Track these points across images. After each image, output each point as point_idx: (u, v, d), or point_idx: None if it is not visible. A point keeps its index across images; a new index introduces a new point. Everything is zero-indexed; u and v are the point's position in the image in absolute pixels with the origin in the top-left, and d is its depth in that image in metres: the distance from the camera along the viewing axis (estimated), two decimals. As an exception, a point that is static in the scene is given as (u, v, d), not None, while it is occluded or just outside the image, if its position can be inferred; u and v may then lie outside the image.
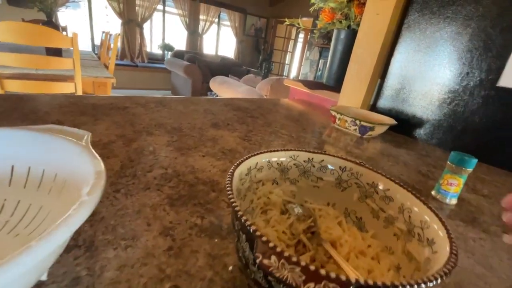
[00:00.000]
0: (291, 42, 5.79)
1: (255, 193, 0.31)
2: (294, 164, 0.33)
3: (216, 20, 5.14)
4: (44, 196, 0.26)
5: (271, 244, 0.16)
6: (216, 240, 0.30)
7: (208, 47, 5.32)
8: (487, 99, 0.77)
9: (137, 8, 4.21)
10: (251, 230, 0.18)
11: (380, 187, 0.30)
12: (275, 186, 0.33)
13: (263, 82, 2.17)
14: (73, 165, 0.24)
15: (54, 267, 0.24)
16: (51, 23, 2.04)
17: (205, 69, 3.83)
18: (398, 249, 0.26)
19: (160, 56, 4.86)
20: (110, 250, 0.27)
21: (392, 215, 0.28)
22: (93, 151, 0.25)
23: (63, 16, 4.00)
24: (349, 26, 1.13)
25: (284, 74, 5.97)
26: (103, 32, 2.71)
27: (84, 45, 4.12)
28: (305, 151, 0.33)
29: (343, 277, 0.14)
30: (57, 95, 0.69)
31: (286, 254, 0.16)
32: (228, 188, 0.22)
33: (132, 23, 4.24)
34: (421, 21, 0.88)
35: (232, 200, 0.20)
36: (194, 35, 4.89)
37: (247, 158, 0.28)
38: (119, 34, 2.16)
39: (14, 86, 1.39)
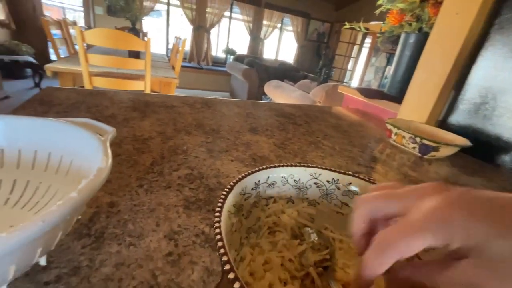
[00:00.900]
0: (356, 48, 5.46)
1: (264, 210, 0.28)
2: (315, 183, 0.29)
3: (279, 25, 5.20)
4: (61, 180, 0.28)
5: (236, 285, 0.13)
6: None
7: (269, 52, 5.42)
8: None
9: (207, 15, 4.56)
10: (221, 260, 0.15)
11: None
12: (290, 205, 0.29)
13: (317, 88, 2.08)
14: (89, 155, 0.26)
15: (61, 252, 0.25)
16: (134, 30, 2.36)
17: (263, 73, 3.90)
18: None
19: (223, 60, 5.16)
20: (114, 245, 0.27)
21: (430, 267, 0.21)
22: (108, 147, 0.26)
23: (147, 23, 4.60)
24: (420, 29, 0.99)
25: (345, 81, 5.66)
26: (175, 37, 3.01)
27: (161, 48, 4.67)
28: (330, 169, 0.29)
29: None
30: (120, 91, 0.78)
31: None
32: (218, 205, 0.20)
33: (201, 29, 4.61)
34: (519, 22, 0.71)
35: (216, 219, 0.18)
36: (256, 40, 5.05)
37: (252, 173, 0.25)
38: (185, 39, 2.36)
39: (99, 82, 1.64)
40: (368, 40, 5.27)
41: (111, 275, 0.24)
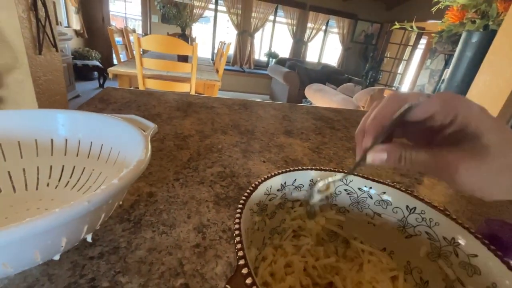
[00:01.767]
0: (408, 49, 5.04)
1: (289, 212, 0.28)
2: (345, 190, 0.28)
3: (323, 27, 5.08)
4: (109, 168, 0.31)
5: (248, 281, 0.14)
6: (235, 248, 0.29)
7: (312, 55, 5.32)
8: None
9: (251, 19, 4.67)
10: (237, 254, 0.15)
11: (464, 248, 0.21)
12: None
13: (361, 92, 1.98)
14: (133, 148, 0.28)
15: (105, 233, 0.28)
16: (184, 35, 2.53)
17: (304, 76, 3.85)
18: None
19: (265, 63, 5.22)
20: (149, 232, 0.30)
21: (474, 294, 0.19)
22: (149, 141, 0.29)
23: (196, 29, 4.90)
24: (485, 27, 0.88)
25: (394, 85, 5.27)
26: (220, 42, 3.15)
27: (208, 53, 4.92)
28: (363, 177, 0.27)
29: None
30: (167, 92, 0.85)
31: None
32: (241, 202, 0.20)
33: (245, 33, 4.74)
34: None
35: (237, 215, 0.19)
36: (299, 43, 5.00)
37: (279, 174, 0.25)
38: (229, 43, 2.45)
39: (151, 84, 1.80)
40: (423, 41, 4.82)
41: (144, 258, 0.26)
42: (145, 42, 1.65)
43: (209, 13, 4.68)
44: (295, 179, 0.27)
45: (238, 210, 0.19)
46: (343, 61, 5.28)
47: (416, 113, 0.17)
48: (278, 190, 0.26)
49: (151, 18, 4.41)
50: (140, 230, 0.30)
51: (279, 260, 0.24)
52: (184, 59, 2.35)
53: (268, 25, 5.00)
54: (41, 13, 0.72)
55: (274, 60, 5.03)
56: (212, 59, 4.42)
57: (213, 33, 4.80)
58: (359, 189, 0.27)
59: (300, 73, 3.80)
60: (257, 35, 4.96)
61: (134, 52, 1.92)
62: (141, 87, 1.79)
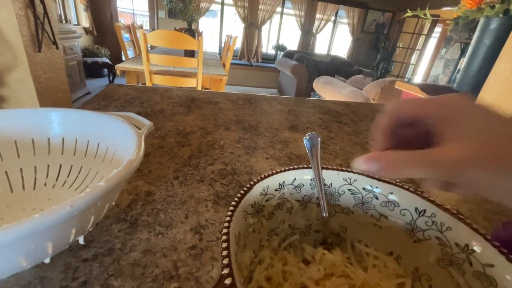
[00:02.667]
0: (422, 38, 4.85)
1: (291, 212, 0.26)
2: (349, 190, 0.26)
3: (333, 18, 4.94)
4: (106, 167, 0.31)
5: (232, 294, 0.12)
6: (221, 255, 0.28)
7: (320, 47, 5.20)
8: None
9: (259, 12, 4.60)
10: (222, 262, 0.14)
11: (479, 256, 0.19)
12: (319, 211, 0.27)
13: (372, 84, 1.91)
14: (128, 146, 0.28)
15: (101, 233, 0.28)
16: (190, 30, 2.52)
17: (313, 69, 3.77)
18: None
19: (273, 56, 5.15)
20: (145, 232, 0.29)
21: (489, 308, 0.17)
22: (142, 140, 0.28)
23: (203, 23, 4.87)
24: (505, 12, 0.82)
25: (406, 76, 5.10)
26: (227, 35, 3.12)
27: (215, 47, 4.89)
28: (368, 176, 0.26)
29: None
30: (170, 88, 0.84)
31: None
32: (233, 204, 0.19)
33: (252, 26, 4.67)
34: None
35: (227, 218, 0.17)
36: (307, 35, 4.90)
37: (276, 173, 0.24)
38: (236, 37, 2.42)
39: (157, 80, 1.80)
40: (437, 30, 4.63)
41: (138, 260, 0.26)
42: (151, 38, 1.65)
43: (215, 7, 4.64)
44: (295, 179, 0.25)
45: (228, 213, 0.18)
46: (353, 52, 5.14)
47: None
48: (276, 190, 0.24)
49: (158, 13, 4.41)
50: (136, 231, 0.29)
51: (276, 265, 0.23)
52: (191, 54, 2.34)
53: (276, 17, 4.91)
54: (40, 10, 0.72)
55: (282, 53, 4.95)
56: (220, 54, 4.39)
57: (220, 27, 4.76)
58: (364, 189, 0.26)
59: (309, 65, 3.73)
60: (265, 28, 4.88)
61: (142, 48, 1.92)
62: (148, 83, 1.80)
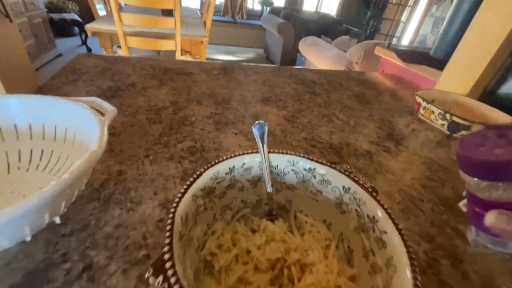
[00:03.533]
0: (415, -7, 4.61)
1: (242, 190, 0.30)
2: (292, 170, 0.30)
3: (323, -32, 4.56)
4: (76, 150, 0.33)
5: (168, 265, 0.17)
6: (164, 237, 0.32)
7: (309, 3, 4.89)
8: None
9: (242, -40, 4.16)
10: (166, 239, 0.18)
11: (379, 225, 0.24)
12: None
13: (356, 47, 1.88)
14: (90, 131, 0.30)
15: (76, 212, 0.31)
16: (166, -17, 2.28)
17: (300, 27, 3.60)
18: (371, 304, 0.22)
19: (259, 13, 4.83)
20: (117, 209, 0.33)
21: (378, 264, 0.23)
22: (105, 128, 0.30)
23: (181, -27, 4.38)
24: (483, -24, 0.80)
25: (396, 35, 4.97)
26: (207, -11, 2.86)
27: (196, 2, 4.50)
28: (308, 158, 0.29)
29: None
30: (142, 59, 0.81)
31: (172, 279, 0.16)
32: (178, 196, 0.23)
33: (236, -23, 4.27)
34: None
35: (172, 210, 0.21)
36: (295, -13, 4.55)
37: (223, 160, 0.27)
38: (217, -8, 2.23)
39: (133, 42, 1.70)
40: (431, -17, 4.39)
41: (111, 234, 0.30)
42: (120, -5, 1.51)
43: (194, -47, 4.14)
44: (244, 162, 0.29)
45: (175, 203, 0.21)
46: (343, 9, 4.88)
47: None
48: (226, 174, 0.28)
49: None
50: (108, 208, 0.33)
51: (226, 234, 0.28)
52: (168, 13, 2.17)
53: (262, -33, 4.47)
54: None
55: (268, 8, 4.63)
56: (201, 10, 4.07)
57: (200, -22, 4.32)
58: (304, 169, 0.30)
59: (296, 24, 3.55)
60: (250, -21, 4.48)
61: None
62: (123, 46, 1.70)
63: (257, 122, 0.30)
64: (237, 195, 0.30)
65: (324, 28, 3.83)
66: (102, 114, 0.33)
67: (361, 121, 0.65)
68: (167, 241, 0.18)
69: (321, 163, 0.29)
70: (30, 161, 0.35)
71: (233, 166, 0.28)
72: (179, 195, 0.22)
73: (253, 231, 0.29)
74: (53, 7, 3.34)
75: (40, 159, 0.35)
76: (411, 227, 0.37)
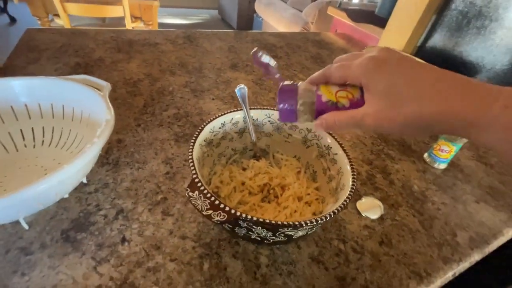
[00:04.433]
0: None
1: (232, 141, 0.39)
2: (269, 121, 0.39)
3: None
4: (77, 125, 0.38)
5: (199, 184, 0.25)
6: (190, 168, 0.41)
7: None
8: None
9: None
10: (192, 171, 0.26)
11: (332, 150, 0.34)
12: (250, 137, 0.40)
13: (310, 6, 1.92)
14: (95, 107, 0.35)
15: (94, 175, 0.37)
16: None
17: (254, -15, 3.44)
18: (330, 201, 0.33)
19: (208, -32, 4.44)
20: (128, 169, 0.39)
21: (333, 174, 0.34)
22: (108, 100, 0.35)
23: None
24: None
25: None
26: None
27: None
28: (280, 110, 0.38)
29: (232, 210, 0.23)
30: (102, 30, 0.79)
31: (204, 191, 0.24)
32: (192, 141, 0.30)
33: None
34: None
35: (190, 150, 0.29)
36: None
37: (217, 117, 0.35)
38: None
39: (73, 9, 1.52)
40: None
41: (129, 187, 0.37)
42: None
43: None
44: (232, 118, 0.37)
45: (190, 149, 0.29)
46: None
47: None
48: (219, 128, 0.36)
49: None
50: (120, 169, 0.39)
51: (225, 173, 0.36)
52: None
53: None
54: None
55: (217, -37, 4.27)
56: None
57: None
58: (278, 119, 0.39)
59: (249, -19, 3.38)
60: None
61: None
62: (61, 14, 1.52)
63: (238, 86, 0.37)
64: (228, 145, 0.38)
65: (278, -15, 3.71)
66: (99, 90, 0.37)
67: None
68: (193, 170, 0.26)
69: (290, 112, 0.38)
70: (43, 138, 0.38)
71: (224, 122, 0.36)
72: (191, 144, 0.30)
73: (244, 169, 0.38)
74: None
75: (43, 136, 0.39)
76: (357, 156, 0.50)
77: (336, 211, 0.25)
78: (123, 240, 0.30)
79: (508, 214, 0.43)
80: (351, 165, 0.30)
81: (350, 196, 0.27)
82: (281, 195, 0.35)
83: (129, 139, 0.44)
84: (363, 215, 0.38)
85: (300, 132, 0.38)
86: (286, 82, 0.25)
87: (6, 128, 0.36)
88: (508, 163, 0.54)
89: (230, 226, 0.27)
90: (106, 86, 0.38)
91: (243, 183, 0.36)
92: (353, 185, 0.28)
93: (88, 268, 0.28)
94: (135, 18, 1.90)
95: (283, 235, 0.26)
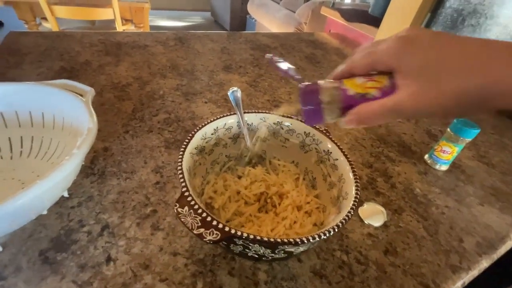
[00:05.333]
0: None
1: (226, 147, 0.36)
2: (264, 125, 0.37)
3: None
4: (58, 134, 0.35)
5: (189, 198, 0.23)
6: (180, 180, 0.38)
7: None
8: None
9: None
10: (182, 183, 0.24)
11: (332, 155, 0.32)
12: (245, 142, 0.37)
13: (303, 7, 1.92)
14: (77, 113, 0.32)
15: (77, 187, 0.34)
16: None
17: (246, -14, 3.43)
18: (331, 210, 0.31)
19: (200, -30, 4.41)
20: (114, 179, 0.36)
21: (334, 181, 0.32)
22: (90, 107, 0.32)
23: None
24: None
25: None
26: None
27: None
28: (275, 113, 0.36)
29: (226, 228, 0.21)
30: (89, 33, 0.76)
31: (195, 206, 0.22)
32: (182, 149, 0.28)
33: None
34: None
35: (179, 162, 0.26)
36: None
37: (208, 123, 0.32)
38: None
39: (61, 12, 1.49)
40: None
41: (116, 199, 0.34)
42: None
43: None
44: (225, 123, 0.35)
45: (179, 157, 0.27)
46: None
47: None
48: (212, 134, 0.33)
49: None
50: (106, 180, 0.36)
51: (219, 182, 0.34)
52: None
53: None
54: None
55: (209, -35, 4.25)
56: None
57: None
58: (274, 123, 0.37)
59: (241, -18, 3.36)
60: None
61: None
62: (49, 18, 1.48)
63: (231, 89, 0.35)
64: (222, 151, 0.36)
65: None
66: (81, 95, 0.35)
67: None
68: (182, 183, 0.24)
69: (287, 116, 0.36)
70: (11, 149, 0.35)
71: (217, 127, 0.34)
72: (180, 153, 0.27)
73: (239, 177, 0.36)
74: None
75: (21, 146, 0.36)
76: (356, 159, 0.48)
77: (340, 224, 0.23)
78: (108, 259, 0.28)
79: (513, 216, 0.42)
80: (353, 171, 0.28)
81: (354, 207, 0.25)
82: (279, 205, 0.32)
83: (116, 147, 0.42)
84: (366, 223, 0.36)
85: (298, 136, 0.36)
86: (306, 83, 0.23)
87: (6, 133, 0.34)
88: None
89: (225, 243, 0.24)
90: (90, 91, 0.35)
91: (238, 192, 0.34)
92: (356, 194, 0.26)
93: (69, 293, 0.25)
94: (125, 20, 1.87)
95: (283, 252, 0.24)
